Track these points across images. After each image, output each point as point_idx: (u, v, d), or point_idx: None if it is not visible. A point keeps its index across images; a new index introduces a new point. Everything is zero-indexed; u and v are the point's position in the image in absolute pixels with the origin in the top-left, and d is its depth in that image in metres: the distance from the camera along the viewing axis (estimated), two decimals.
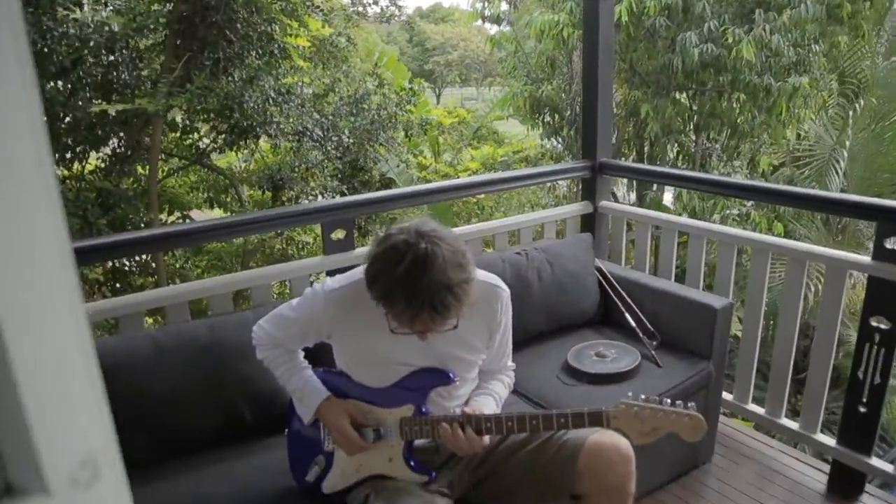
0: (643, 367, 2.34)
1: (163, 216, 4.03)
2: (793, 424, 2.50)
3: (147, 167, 3.88)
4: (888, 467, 2.23)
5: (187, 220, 4.63)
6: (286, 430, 1.82)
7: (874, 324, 2.13)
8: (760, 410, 2.61)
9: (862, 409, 2.21)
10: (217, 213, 4.87)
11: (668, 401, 1.48)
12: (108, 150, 3.99)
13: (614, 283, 2.66)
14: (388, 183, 4.48)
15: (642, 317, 2.53)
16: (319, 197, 4.01)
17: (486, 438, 1.54)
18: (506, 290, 1.73)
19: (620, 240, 3.07)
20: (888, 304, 2.11)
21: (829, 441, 2.37)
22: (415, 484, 1.63)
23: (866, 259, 2.17)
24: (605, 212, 3.05)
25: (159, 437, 1.89)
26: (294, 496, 1.73)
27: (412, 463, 1.64)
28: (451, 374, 1.62)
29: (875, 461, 2.25)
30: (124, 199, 3.49)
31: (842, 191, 6.64)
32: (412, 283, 1.35)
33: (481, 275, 1.71)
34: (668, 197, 6.89)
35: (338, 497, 1.70)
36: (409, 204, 2.67)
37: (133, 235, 2.14)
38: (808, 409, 2.45)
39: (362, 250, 2.51)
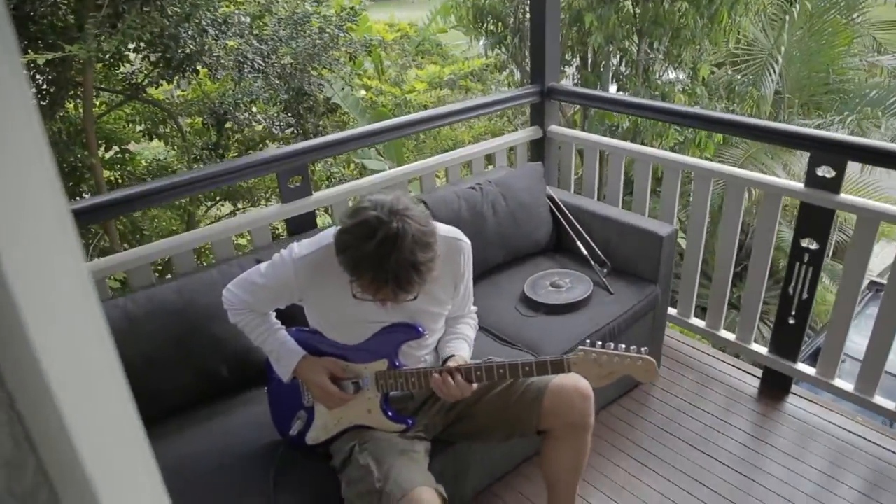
0: (596, 294, 2.48)
1: (99, 153, 3.84)
2: (730, 335, 2.74)
3: (79, 106, 3.64)
4: (811, 370, 2.50)
5: (126, 155, 4.44)
6: (266, 388, 1.91)
7: (804, 245, 2.31)
8: (701, 323, 2.83)
9: (791, 321, 2.43)
10: (156, 145, 4.67)
11: (623, 346, 1.61)
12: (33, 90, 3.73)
13: (565, 210, 2.76)
14: (333, 108, 4.36)
15: (593, 244, 2.66)
16: (264, 127, 3.89)
17: (475, 384, 1.67)
18: (467, 243, 1.81)
19: (570, 166, 3.14)
20: (817, 227, 2.28)
21: (762, 350, 2.62)
22: (394, 433, 1.76)
23: (799, 185, 2.31)
24: (555, 137, 3.09)
25: (140, 402, 1.89)
26: (279, 448, 1.83)
27: (390, 413, 1.76)
28: (419, 329, 1.71)
29: (800, 366, 2.51)
30: (58, 142, 3.30)
31: (776, 92, 6.83)
32: (380, 260, 1.41)
33: (443, 229, 1.77)
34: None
35: (322, 447, 1.82)
36: (361, 145, 2.64)
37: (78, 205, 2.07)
38: (743, 321, 2.67)
39: (320, 195, 2.53)
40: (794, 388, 2.60)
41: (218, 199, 4.82)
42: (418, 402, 1.87)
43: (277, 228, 3.67)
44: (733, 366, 2.78)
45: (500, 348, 2.26)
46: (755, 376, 2.70)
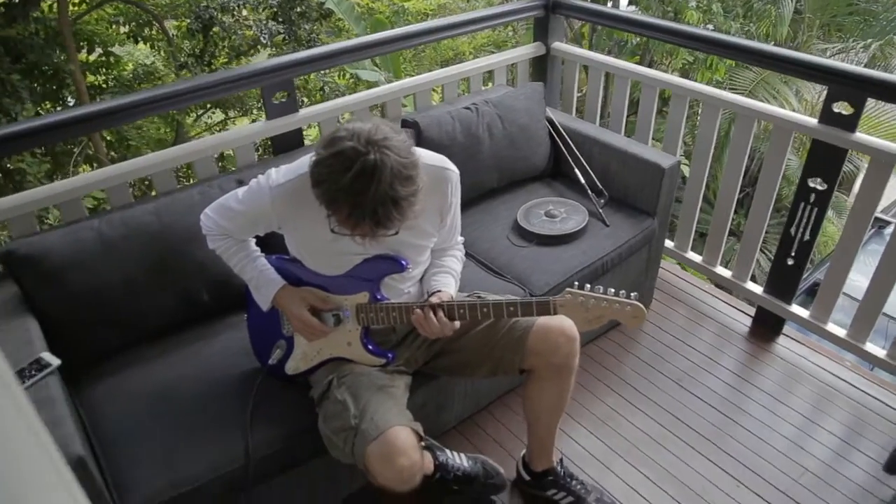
0: (591, 226, 2.40)
1: (83, 56, 3.62)
2: (726, 272, 2.68)
3: (54, 6, 3.40)
4: (804, 312, 2.45)
5: (111, 59, 4.21)
6: (245, 315, 1.86)
7: (811, 184, 2.20)
8: (698, 258, 2.76)
9: (790, 262, 2.36)
10: (141, 48, 4.42)
11: (612, 290, 1.55)
12: None
13: (564, 135, 2.63)
14: (327, 14, 4.09)
15: (591, 172, 2.55)
16: (253, 34, 3.65)
17: (457, 322, 1.61)
18: (455, 171, 1.70)
19: (572, 86, 2.97)
20: (827, 167, 2.16)
21: (757, 289, 2.56)
22: (374, 367, 1.72)
23: (812, 121, 2.18)
24: (558, 54, 2.91)
25: (123, 326, 1.91)
26: (259, 376, 1.80)
27: (370, 347, 1.72)
28: (403, 262, 1.64)
29: (794, 308, 2.46)
30: (34, 46, 3.10)
31: (796, 11, 6.42)
32: (357, 194, 1.31)
33: (429, 157, 1.66)
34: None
35: (302, 377, 1.79)
36: (352, 59, 2.47)
37: (42, 121, 1.94)
38: (741, 259, 2.60)
39: (307, 111, 2.39)
40: (785, 328, 2.56)
41: (209, 107, 4.63)
42: (400, 336, 1.83)
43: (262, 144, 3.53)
44: (727, 303, 2.74)
45: (489, 279, 2.21)
46: (748, 315, 2.66)
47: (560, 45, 2.89)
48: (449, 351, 1.85)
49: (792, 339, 2.55)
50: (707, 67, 5.67)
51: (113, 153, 3.97)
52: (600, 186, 2.53)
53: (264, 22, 3.73)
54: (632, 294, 1.54)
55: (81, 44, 3.69)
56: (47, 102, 3.66)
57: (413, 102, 2.69)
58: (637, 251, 2.44)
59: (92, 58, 4.05)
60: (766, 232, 2.57)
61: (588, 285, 1.56)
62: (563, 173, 2.68)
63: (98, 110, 2.03)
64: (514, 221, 2.43)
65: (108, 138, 4.00)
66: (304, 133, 2.48)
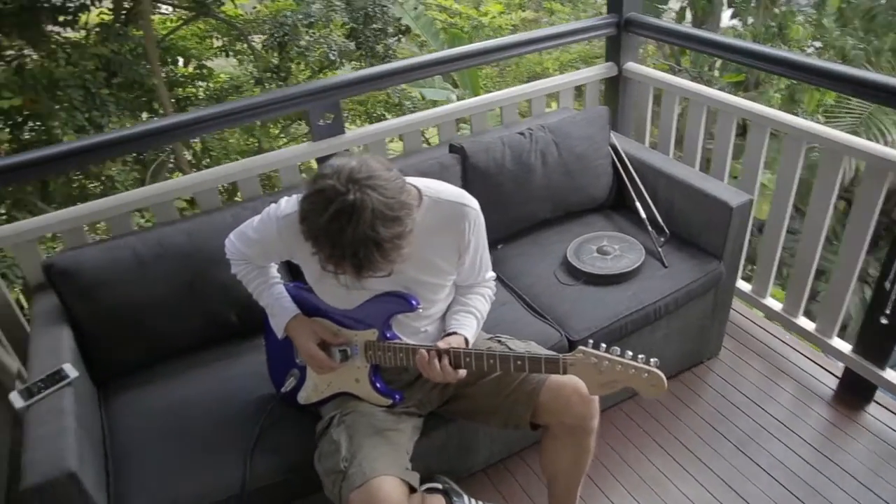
0: (647, 265, 2.20)
1: (180, 69, 3.86)
2: (809, 325, 2.36)
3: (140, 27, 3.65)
4: None
5: (205, 70, 4.46)
6: (263, 341, 1.85)
7: None
8: (778, 306, 2.46)
9: (883, 321, 2.03)
10: (231, 62, 4.64)
11: (630, 353, 1.38)
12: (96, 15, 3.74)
13: (628, 165, 2.44)
14: (404, 30, 4.07)
15: (653, 207, 2.34)
16: (328, 51, 3.70)
17: (463, 371, 1.51)
18: (473, 208, 1.59)
19: (646, 111, 2.75)
20: None
21: (845, 347, 2.23)
22: (380, 408, 1.64)
23: None
24: (632, 76, 2.70)
25: (149, 342, 1.96)
26: (275, 401, 1.78)
27: (378, 385, 1.64)
28: (413, 302, 1.56)
29: (889, 373, 2.12)
30: (124, 62, 3.33)
31: None
32: (335, 234, 1.24)
33: (446, 192, 1.57)
34: None
35: (313, 407, 1.74)
36: (406, 80, 2.42)
37: (94, 140, 2.04)
38: (827, 310, 2.28)
39: (353, 134, 2.37)
40: (877, 395, 2.21)
41: (294, 119, 4.77)
42: (413, 375, 1.73)
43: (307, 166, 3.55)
44: (811, 359, 2.41)
45: (525, 318, 2.07)
46: (834, 375, 2.32)
47: (634, 66, 2.69)
48: (462, 396, 1.74)
49: (886, 409, 2.19)
50: (816, 89, 5.07)
51: (196, 164, 4.19)
52: (661, 223, 2.31)
53: (333, 39, 3.78)
54: (651, 360, 1.36)
55: (176, 57, 3.93)
56: (143, 113, 3.95)
57: (470, 126, 2.60)
58: (699, 297, 2.20)
59: (189, 70, 4.31)
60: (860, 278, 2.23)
61: (604, 345, 1.40)
62: (627, 206, 2.48)
63: (152, 128, 2.11)
64: (564, 256, 2.27)
65: (194, 149, 4.23)
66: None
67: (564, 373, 1.44)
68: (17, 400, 1.62)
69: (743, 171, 2.38)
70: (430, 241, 1.56)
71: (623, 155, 2.45)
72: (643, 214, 2.34)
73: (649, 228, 2.30)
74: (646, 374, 1.35)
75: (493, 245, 2.41)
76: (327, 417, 1.65)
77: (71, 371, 1.68)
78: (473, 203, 1.60)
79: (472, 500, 1.93)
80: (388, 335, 1.60)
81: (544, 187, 2.38)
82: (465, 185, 2.28)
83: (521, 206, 2.38)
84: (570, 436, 1.61)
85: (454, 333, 1.62)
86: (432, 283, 1.61)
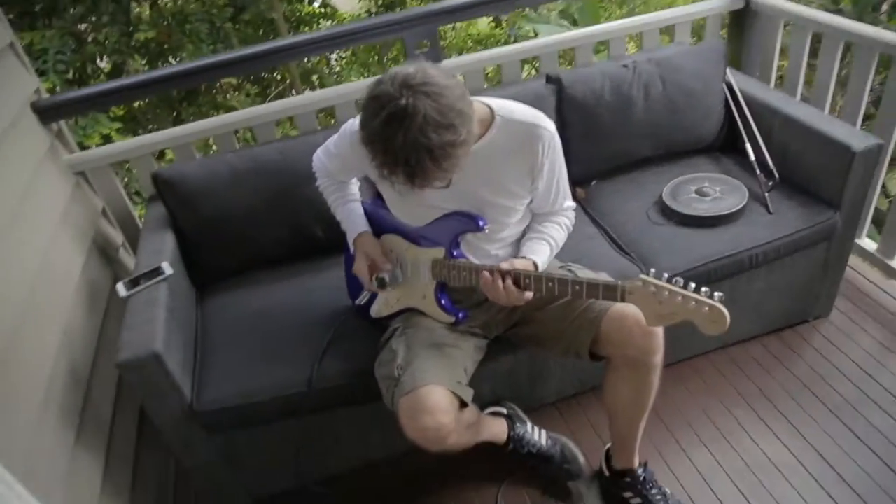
0: (749, 210, 2.03)
1: (306, 8, 4.00)
2: None
3: None
4: None
5: (328, 9, 4.57)
6: (343, 254, 1.93)
7: None
8: None
9: None
10: (354, 1, 4.71)
11: (693, 285, 1.29)
12: None
13: (742, 104, 2.24)
14: None
15: (764, 149, 2.14)
16: None
17: (528, 294, 1.49)
18: (548, 130, 1.53)
19: (774, 49, 2.49)
20: None
21: None
22: (442, 325, 1.67)
23: None
24: (761, 9, 2.45)
25: (242, 251, 2.11)
26: (348, 314, 1.87)
27: (443, 302, 1.67)
28: (480, 222, 1.55)
29: None
30: (252, 1, 3.51)
31: None
32: (387, 140, 1.24)
33: (520, 112, 1.54)
34: None
35: (384, 321, 1.80)
36: (506, 9, 2.36)
37: (207, 62, 2.20)
38: None
39: (451, 62, 2.36)
40: None
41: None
42: (480, 297, 1.71)
43: None
44: None
45: (609, 253, 2.00)
46: None
47: None
48: (527, 321, 1.72)
49: None
50: None
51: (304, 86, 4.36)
52: (771, 166, 2.11)
53: None
54: (716, 294, 1.27)
55: None
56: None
57: (574, 59, 2.50)
58: (806, 248, 2.01)
59: (313, 8, 4.46)
60: None
61: (666, 274, 1.33)
62: (737, 149, 2.29)
63: (258, 51, 2.23)
64: (660, 196, 2.15)
65: (314, 84, 4.39)
66: None
67: (623, 300, 1.38)
68: (121, 290, 1.81)
69: (880, 113, 2.10)
70: (502, 162, 1.54)
71: (738, 93, 2.26)
72: (752, 157, 2.15)
73: (757, 171, 2.12)
74: (706, 308, 1.26)
75: (587, 180, 2.34)
76: (391, 329, 1.71)
77: (167, 269, 1.85)
78: (549, 125, 1.55)
79: (536, 429, 1.93)
80: (455, 254, 1.61)
81: (646, 123, 2.25)
82: (561, 118, 2.22)
83: (620, 141, 2.27)
84: (632, 369, 1.56)
85: (523, 258, 1.60)
86: (504, 206, 1.59)
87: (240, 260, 2.12)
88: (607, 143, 2.26)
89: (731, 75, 2.31)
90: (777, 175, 2.10)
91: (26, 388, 1.55)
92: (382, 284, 1.65)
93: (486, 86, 2.66)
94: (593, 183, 2.33)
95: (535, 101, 2.15)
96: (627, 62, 2.24)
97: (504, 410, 1.96)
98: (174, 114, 3.87)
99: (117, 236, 2.38)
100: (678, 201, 2.09)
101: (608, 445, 1.84)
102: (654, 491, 1.74)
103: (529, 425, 1.94)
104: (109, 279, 2.13)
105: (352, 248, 1.73)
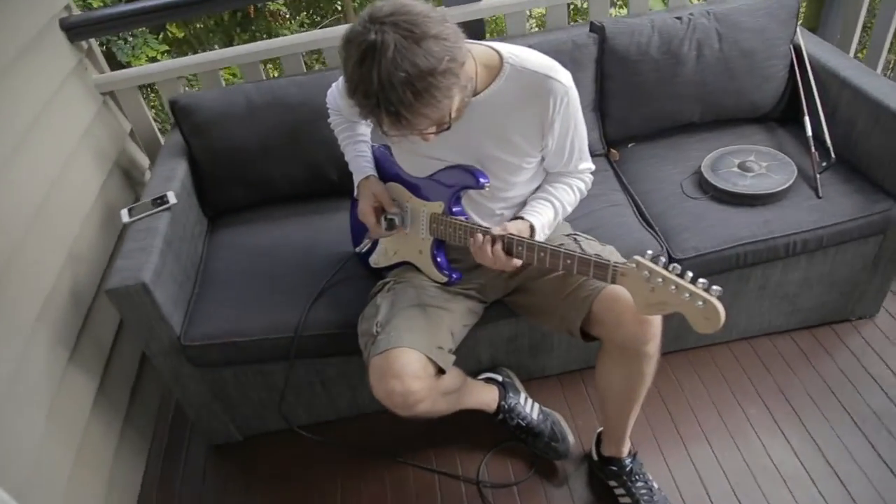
0: (795, 192, 1.83)
1: None
2: None
3: None
4: None
5: None
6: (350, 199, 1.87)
7: None
8: None
9: None
10: None
11: (690, 274, 1.15)
12: None
13: (808, 70, 1.99)
14: None
15: (824, 124, 1.91)
16: None
17: (517, 261, 1.39)
18: (562, 82, 1.38)
19: (858, 11, 2.19)
20: None
21: None
22: (434, 284, 1.59)
23: None
24: None
25: (254, 185, 2.08)
26: (350, 261, 1.82)
27: (438, 259, 1.59)
28: (481, 179, 1.45)
29: None
30: None
31: None
32: (365, 81, 1.13)
33: (533, 62, 1.40)
34: None
35: (383, 272, 1.75)
36: None
37: None
38: None
39: (492, 2, 2.20)
40: None
41: None
42: None
43: None
44: None
45: (627, 223, 1.86)
46: None
47: None
48: (524, 289, 1.63)
49: None
50: None
51: None
52: (829, 144, 1.88)
53: None
54: (713, 288, 1.13)
55: None
56: None
57: (626, 6, 2.28)
58: (856, 240, 1.80)
59: None
60: None
61: (663, 259, 1.20)
62: (798, 121, 2.05)
63: None
64: (698, 166, 1.96)
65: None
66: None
67: (613, 282, 1.26)
68: (124, 215, 1.81)
69: None
70: (509, 114, 1.41)
71: (806, 58, 2.01)
72: (809, 131, 1.93)
73: (812, 149, 1.89)
74: (700, 303, 1.13)
75: (624, 141, 2.18)
76: (381, 282, 1.65)
77: (172, 198, 1.83)
78: (564, 77, 1.40)
79: (529, 401, 1.86)
80: (455, 210, 1.51)
81: (694, 84, 2.04)
82: (600, 70, 2.05)
83: (664, 102, 2.08)
84: (622, 355, 1.45)
85: (521, 219, 1.49)
86: (509, 162, 1.48)
87: (251, 195, 2.09)
88: (649, 102, 2.07)
89: (802, 37, 2.05)
90: (833, 155, 1.87)
91: (21, 301, 1.59)
92: (392, 225, 1.57)
93: (531, 29, 2.48)
94: (630, 145, 2.16)
95: (573, 50, 2.01)
96: (682, 14, 2.02)
97: (498, 377, 1.89)
98: (229, 40, 3.83)
99: (144, 160, 2.39)
100: (717, 174, 1.90)
101: (601, 429, 1.75)
102: (639, 484, 1.64)
103: (523, 396, 1.87)
104: (129, 203, 2.16)
105: (356, 192, 1.66)
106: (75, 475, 1.65)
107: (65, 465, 1.63)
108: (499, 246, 1.38)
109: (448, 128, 1.29)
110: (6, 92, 1.71)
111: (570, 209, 1.59)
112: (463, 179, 1.47)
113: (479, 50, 1.39)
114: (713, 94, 2.06)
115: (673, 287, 1.16)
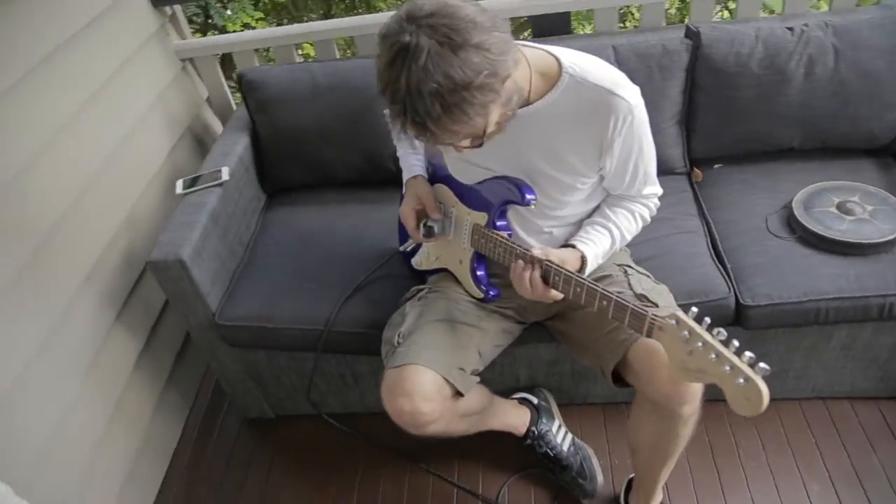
0: None
1: None
2: None
3: None
4: None
5: None
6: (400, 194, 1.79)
7: None
8: None
9: None
10: None
11: (736, 344, 0.99)
12: None
13: None
14: None
15: None
16: None
17: (556, 293, 1.27)
18: (628, 100, 1.23)
19: None
20: None
21: None
22: (469, 299, 1.50)
23: None
24: None
25: (312, 166, 2.05)
26: (393, 258, 1.76)
27: (478, 273, 1.49)
28: (527, 196, 1.33)
29: None
30: None
31: None
32: (394, 82, 1.03)
33: (597, 75, 1.25)
34: None
35: (425, 275, 1.68)
36: None
37: None
38: None
39: None
40: None
41: None
42: None
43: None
44: None
45: (699, 256, 1.67)
46: None
47: None
48: (565, 317, 1.51)
49: None
50: None
51: None
52: None
53: None
54: (760, 365, 0.97)
55: None
56: None
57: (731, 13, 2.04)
58: None
59: None
60: None
61: (708, 319, 1.04)
62: None
63: None
64: (790, 201, 1.74)
65: None
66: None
67: (649, 335, 1.12)
68: (179, 186, 1.83)
69: None
70: (564, 130, 1.28)
71: None
72: None
73: None
74: (742, 380, 0.97)
75: (710, 160, 1.97)
76: (415, 288, 1.57)
77: (225, 174, 1.83)
78: (630, 94, 1.25)
79: (563, 430, 1.75)
80: (499, 224, 1.40)
81: (800, 106, 1.80)
82: (691, 80, 1.85)
83: (761, 122, 1.85)
84: (654, 411, 1.30)
85: (572, 247, 1.37)
86: (561, 181, 1.35)
87: (308, 176, 2.07)
88: (743, 121, 1.85)
89: None
90: None
91: (72, 260, 1.64)
92: (430, 233, 1.48)
93: (621, 27, 2.28)
94: (716, 166, 1.95)
95: (662, 56, 1.82)
96: (795, 24, 1.78)
97: (534, 400, 1.78)
98: (328, 8, 3.80)
99: (218, 128, 2.42)
100: (810, 213, 1.68)
101: (632, 475, 1.61)
102: None
103: (556, 424, 1.75)
104: (196, 171, 2.19)
105: (404, 189, 1.59)
106: (111, 427, 1.72)
107: (100, 417, 1.69)
108: (537, 273, 1.26)
109: (480, 145, 1.18)
110: (86, 47, 1.76)
111: (629, 238, 1.45)
112: (507, 193, 1.36)
113: (535, 55, 1.26)
114: (821, 119, 1.81)
115: (713, 355, 1.01)
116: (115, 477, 1.73)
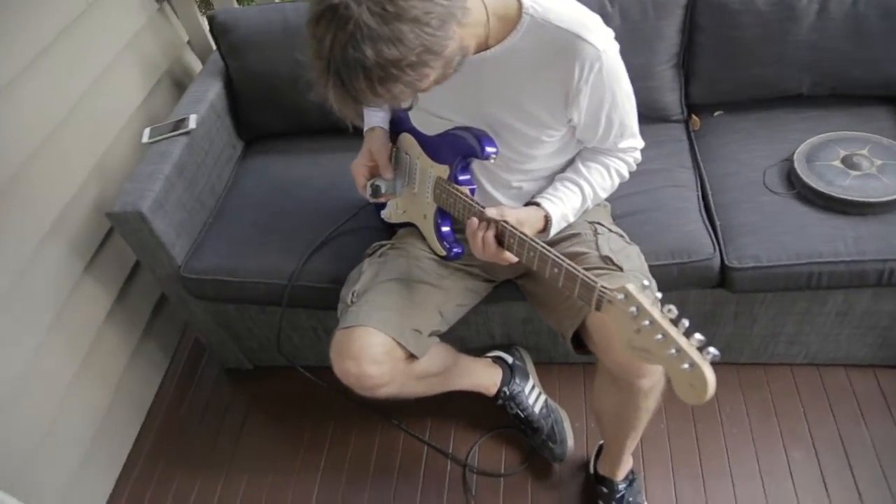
0: None
1: None
2: None
3: None
4: None
5: None
6: None
7: None
8: None
9: None
10: None
11: (686, 324, 0.89)
12: None
13: None
14: None
15: None
16: None
17: (509, 255, 1.17)
18: (596, 45, 1.10)
19: None
20: None
21: None
22: (432, 257, 1.42)
23: None
24: None
25: (289, 113, 1.96)
26: (366, 208, 1.68)
27: (442, 229, 1.40)
28: (487, 148, 1.23)
29: None
30: None
31: None
32: (317, 44, 0.93)
33: (561, 16, 1.12)
34: None
35: (395, 227, 1.60)
36: None
37: None
38: None
39: None
40: None
41: None
42: None
43: None
44: None
45: (687, 213, 1.55)
46: None
47: None
48: (531, 276, 1.43)
49: None
50: None
51: None
52: None
53: None
54: (710, 350, 0.86)
55: None
56: None
57: None
58: None
59: None
60: None
61: (660, 294, 0.94)
62: None
63: None
64: (791, 153, 1.59)
65: None
66: None
67: (598, 308, 1.02)
68: (145, 135, 1.77)
69: None
70: (524, 78, 1.17)
71: None
72: None
73: None
74: (686, 365, 0.86)
75: (710, 107, 1.82)
76: (377, 244, 1.50)
77: (192, 122, 1.76)
78: (599, 38, 1.12)
79: (536, 392, 1.69)
80: (461, 179, 1.31)
81: (810, 47, 1.63)
82: (691, 21, 1.69)
83: (766, 65, 1.69)
84: (614, 384, 1.22)
85: (536, 205, 1.27)
86: (526, 134, 1.24)
87: (285, 123, 1.98)
88: (748, 65, 1.69)
89: None
90: None
91: (37, 210, 1.60)
92: (377, 192, 1.40)
93: None
94: (716, 114, 1.80)
95: None
96: None
97: (508, 359, 1.72)
98: None
99: None
100: (811, 166, 1.53)
101: (602, 441, 1.55)
102: None
103: (530, 384, 1.69)
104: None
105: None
106: (79, 380, 1.71)
107: (66, 370, 1.69)
108: (490, 233, 1.17)
109: (410, 107, 1.08)
110: None
111: (603, 195, 1.35)
112: (466, 146, 1.26)
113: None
114: (833, 63, 1.64)
115: (660, 335, 0.90)
116: (83, 429, 1.74)
